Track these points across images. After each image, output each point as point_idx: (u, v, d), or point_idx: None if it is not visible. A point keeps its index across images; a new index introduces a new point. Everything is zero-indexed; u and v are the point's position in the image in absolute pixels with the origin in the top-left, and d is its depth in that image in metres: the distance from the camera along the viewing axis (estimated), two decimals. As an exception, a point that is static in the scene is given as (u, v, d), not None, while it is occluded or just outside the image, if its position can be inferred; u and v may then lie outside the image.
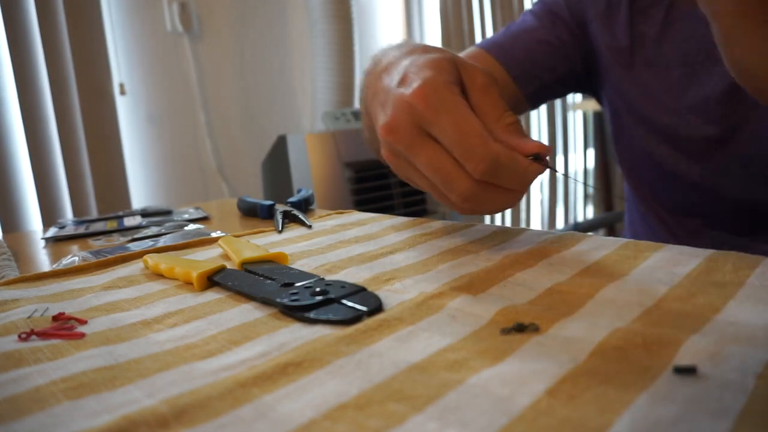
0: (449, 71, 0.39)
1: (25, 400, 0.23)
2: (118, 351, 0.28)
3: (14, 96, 1.50)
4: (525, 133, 0.39)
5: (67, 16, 1.54)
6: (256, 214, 0.69)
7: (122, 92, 1.76)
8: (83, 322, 0.32)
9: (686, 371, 0.22)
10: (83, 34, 1.58)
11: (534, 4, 0.74)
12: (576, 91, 0.78)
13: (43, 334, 0.30)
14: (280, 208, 0.63)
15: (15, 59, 1.49)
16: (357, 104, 2.06)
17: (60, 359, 0.27)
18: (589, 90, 0.76)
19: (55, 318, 0.33)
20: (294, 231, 0.55)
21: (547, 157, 0.38)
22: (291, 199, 0.66)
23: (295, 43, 2.09)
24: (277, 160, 1.70)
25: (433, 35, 2.26)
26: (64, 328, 0.31)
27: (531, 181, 0.38)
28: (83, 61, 1.58)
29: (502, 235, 0.46)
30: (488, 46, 0.71)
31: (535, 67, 0.70)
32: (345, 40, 2.01)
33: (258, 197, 0.84)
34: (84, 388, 0.24)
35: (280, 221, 0.58)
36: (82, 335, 0.30)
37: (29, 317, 0.34)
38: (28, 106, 1.52)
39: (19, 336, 0.30)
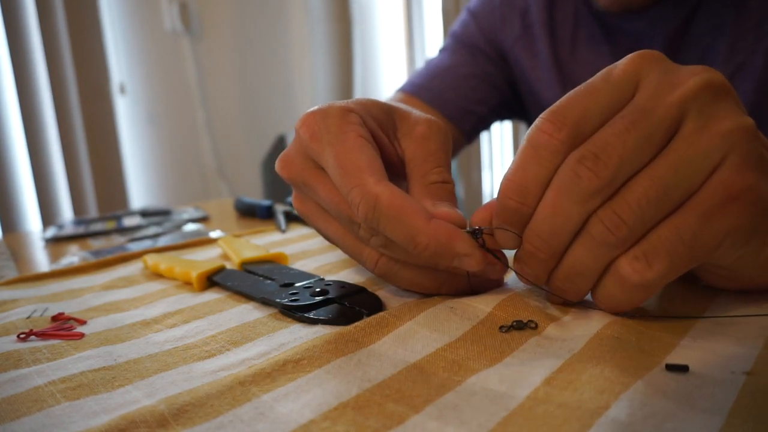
0: (367, 109, 0.33)
1: (24, 400, 0.23)
2: (117, 351, 0.28)
3: (14, 96, 1.51)
4: (449, 196, 0.32)
5: (66, 16, 1.54)
6: (254, 214, 0.69)
7: (122, 92, 1.76)
8: (82, 323, 0.32)
9: (678, 369, 0.22)
10: (83, 34, 1.58)
11: (446, 40, 0.74)
12: (510, 118, 0.77)
13: (42, 335, 0.30)
14: (280, 208, 0.63)
15: (14, 59, 1.49)
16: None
17: (59, 359, 0.27)
18: (522, 116, 0.76)
19: (54, 318, 0.33)
20: (294, 231, 0.55)
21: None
22: (290, 199, 0.66)
23: (295, 44, 2.08)
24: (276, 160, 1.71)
25: (433, 36, 2.26)
26: (63, 328, 0.31)
27: (424, 252, 0.28)
28: (83, 60, 1.58)
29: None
30: (414, 90, 0.70)
31: (469, 103, 0.69)
32: (345, 40, 2.01)
33: (258, 197, 0.84)
34: (83, 389, 0.24)
35: (283, 221, 0.58)
36: (82, 335, 0.30)
37: (28, 317, 0.33)
38: (27, 106, 1.52)
39: (18, 336, 0.30)
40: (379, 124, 0.33)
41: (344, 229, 0.33)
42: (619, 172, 0.24)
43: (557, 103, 0.26)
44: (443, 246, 0.28)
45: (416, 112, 0.35)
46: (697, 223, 0.24)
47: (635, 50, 0.27)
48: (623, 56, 0.27)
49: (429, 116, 0.35)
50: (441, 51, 0.73)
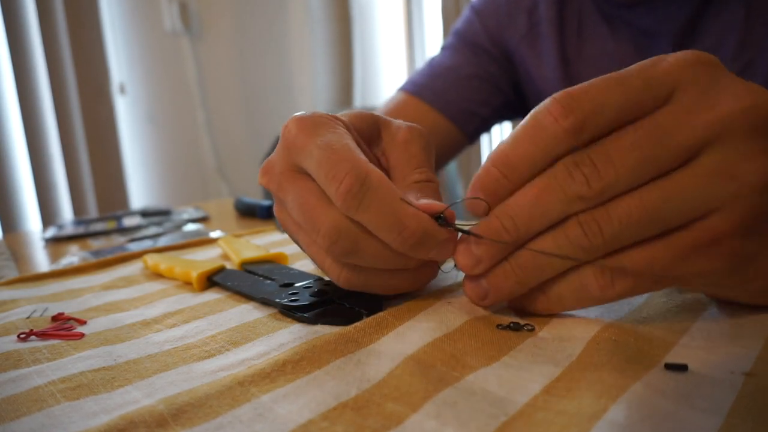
0: (350, 122, 0.33)
1: (24, 400, 0.23)
2: (117, 351, 0.28)
3: (14, 96, 1.50)
4: (434, 195, 0.31)
5: (66, 16, 1.54)
6: (254, 214, 0.69)
7: (122, 92, 1.76)
8: (82, 323, 0.32)
9: (677, 368, 0.22)
10: (83, 34, 1.58)
11: (449, 38, 0.73)
12: (512, 118, 0.77)
13: (42, 335, 0.30)
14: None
15: (15, 59, 1.49)
16: (357, 104, 2.06)
17: (59, 360, 0.27)
18: (525, 116, 0.75)
19: (54, 318, 0.33)
20: (293, 231, 0.55)
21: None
22: None
23: (295, 43, 2.08)
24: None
25: (433, 35, 2.26)
26: (63, 328, 0.31)
27: (410, 239, 0.27)
28: (83, 60, 1.58)
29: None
30: (416, 90, 0.69)
31: (471, 104, 0.69)
32: (345, 40, 2.01)
33: (258, 197, 0.84)
34: (82, 389, 0.24)
35: (280, 221, 0.58)
36: (81, 335, 0.30)
37: (28, 317, 0.34)
38: (27, 106, 1.52)
39: (18, 336, 0.30)
40: (362, 136, 0.33)
41: (309, 239, 0.31)
42: (610, 188, 0.24)
43: (577, 86, 0.25)
44: (428, 231, 0.27)
45: (397, 121, 0.35)
46: (670, 259, 0.24)
47: (642, 48, 0.26)
48: (628, 54, 0.26)
49: (410, 123, 0.35)
50: (443, 49, 0.72)
